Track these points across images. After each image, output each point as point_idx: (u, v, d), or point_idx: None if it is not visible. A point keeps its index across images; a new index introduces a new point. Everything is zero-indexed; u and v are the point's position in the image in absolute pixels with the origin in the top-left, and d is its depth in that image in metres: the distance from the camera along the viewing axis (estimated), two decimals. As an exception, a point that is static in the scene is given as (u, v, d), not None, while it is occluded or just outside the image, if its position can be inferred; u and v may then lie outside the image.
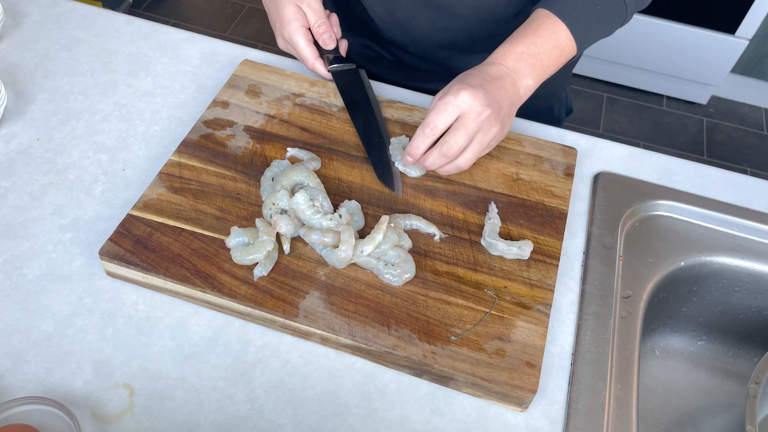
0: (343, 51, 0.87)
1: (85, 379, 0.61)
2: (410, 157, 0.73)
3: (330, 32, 0.84)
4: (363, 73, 0.86)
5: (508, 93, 0.73)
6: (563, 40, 0.75)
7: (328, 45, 0.84)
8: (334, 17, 0.87)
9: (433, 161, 0.72)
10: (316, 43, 0.85)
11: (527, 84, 0.75)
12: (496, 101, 0.71)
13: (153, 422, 0.59)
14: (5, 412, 0.58)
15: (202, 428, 0.59)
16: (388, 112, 0.83)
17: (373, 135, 0.79)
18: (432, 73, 0.95)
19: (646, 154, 0.86)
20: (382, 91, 0.89)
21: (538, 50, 0.74)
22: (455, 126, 0.70)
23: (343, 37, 0.90)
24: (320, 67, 0.84)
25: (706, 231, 0.79)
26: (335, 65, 0.85)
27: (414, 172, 0.76)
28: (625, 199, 0.79)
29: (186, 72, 0.90)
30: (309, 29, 0.84)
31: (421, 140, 0.71)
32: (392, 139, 0.79)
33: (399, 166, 0.77)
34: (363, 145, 0.79)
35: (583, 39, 0.77)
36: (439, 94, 0.72)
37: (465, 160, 0.73)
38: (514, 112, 0.75)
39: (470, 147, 0.72)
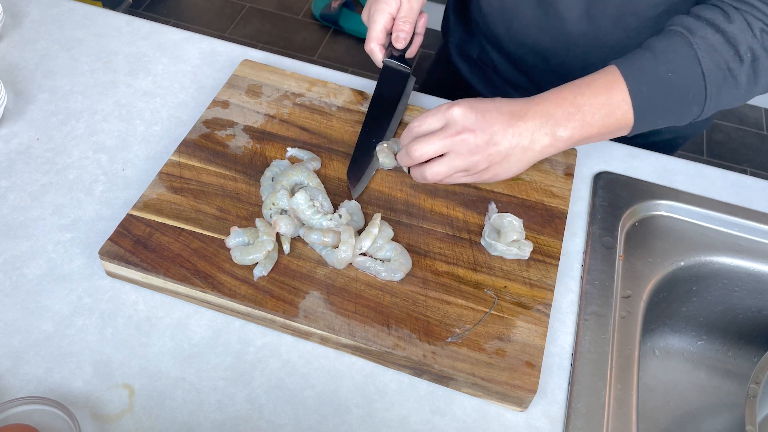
0: (410, 53, 0.84)
1: (85, 379, 0.61)
2: (400, 144, 0.75)
3: (408, 34, 0.81)
4: (411, 81, 0.83)
5: (518, 135, 0.68)
6: (617, 100, 0.67)
7: (399, 42, 0.81)
8: (424, 18, 0.84)
9: (401, 157, 0.74)
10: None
11: (558, 134, 0.68)
12: (489, 132, 0.68)
13: (153, 422, 0.59)
14: (5, 412, 0.58)
15: (202, 428, 0.59)
16: (405, 116, 0.83)
17: (374, 135, 0.78)
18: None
19: (645, 154, 0.86)
20: (422, 100, 0.89)
21: (583, 101, 0.68)
22: (432, 133, 0.70)
23: (450, 40, 0.91)
24: (377, 53, 0.81)
25: (706, 231, 0.79)
26: (392, 60, 0.82)
27: (378, 163, 0.76)
28: (625, 199, 0.79)
29: (186, 72, 0.90)
30: (394, 19, 0.81)
31: (405, 134, 0.73)
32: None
33: (381, 157, 0.76)
34: (359, 137, 0.78)
35: (643, 107, 0.67)
36: None
37: (430, 173, 0.71)
38: (525, 159, 0.70)
39: (439, 162, 0.70)
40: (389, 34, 0.82)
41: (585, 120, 0.68)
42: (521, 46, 0.89)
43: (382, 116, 0.80)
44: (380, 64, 0.82)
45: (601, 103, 0.67)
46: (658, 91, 0.67)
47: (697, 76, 0.66)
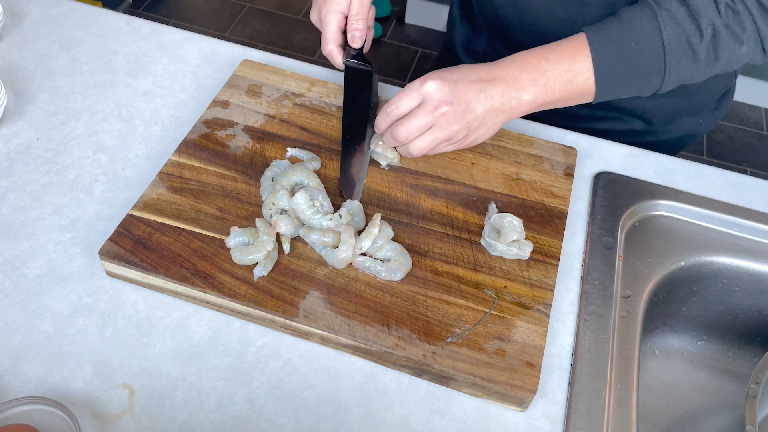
0: (366, 47, 0.84)
1: (85, 379, 0.61)
2: (376, 130, 0.76)
3: (363, 32, 0.80)
4: (375, 78, 0.84)
5: (490, 98, 0.70)
6: (580, 66, 0.69)
7: (355, 42, 0.81)
8: (372, 11, 0.83)
9: (386, 140, 0.75)
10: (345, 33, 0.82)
11: (522, 98, 0.70)
12: (464, 101, 0.69)
13: (153, 422, 0.59)
14: (5, 412, 0.58)
15: (202, 428, 0.59)
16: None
17: (356, 141, 0.78)
18: None
19: (646, 154, 0.86)
20: (383, 90, 0.89)
21: (547, 66, 0.70)
22: (412, 112, 0.71)
23: (455, 34, 0.90)
24: (337, 56, 0.80)
25: (706, 231, 0.79)
26: (352, 60, 0.82)
27: (384, 161, 0.77)
28: (625, 199, 0.79)
29: (186, 72, 0.90)
30: (346, 17, 0.80)
31: (383, 118, 0.73)
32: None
33: (375, 148, 0.77)
34: (341, 146, 0.77)
35: (604, 75, 0.69)
36: None
37: (414, 148, 0.72)
38: (498, 121, 0.72)
39: (422, 137, 0.72)
40: (344, 33, 0.82)
41: (548, 85, 0.70)
42: (534, 37, 0.88)
43: (358, 120, 0.80)
44: (341, 66, 0.82)
45: (564, 68, 0.70)
46: (619, 60, 0.69)
47: (658, 47, 0.68)
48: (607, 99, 0.72)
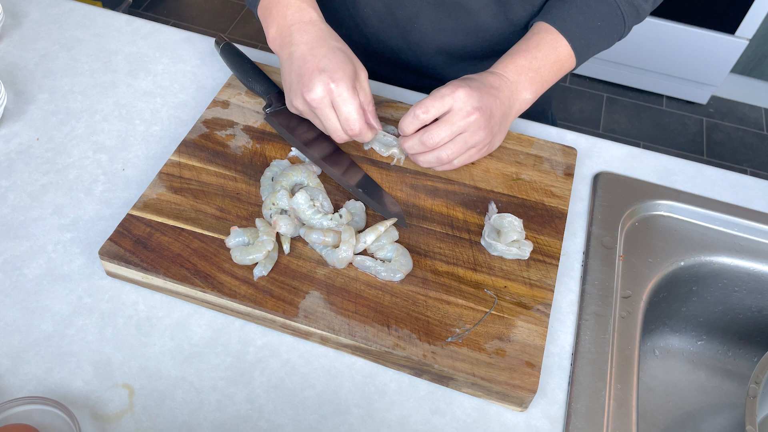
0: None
1: (85, 379, 0.61)
2: (401, 132, 0.73)
3: (375, 119, 0.73)
4: None
5: (502, 104, 0.73)
6: (563, 54, 0.77)
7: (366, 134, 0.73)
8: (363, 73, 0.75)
9: (412, 145, 0.72)
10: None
11: (524, 97, 0.76)
12: (488, 108, 0.71)
13: (153, 422, 0.59)
14: (5, 412, 0.58)
15: (202, 428, 0.59)
16: (387, 112, 0.83)
17: (369, 185, 0.75)
18: (419, 87, 0.93)
19: (646, 154, 0.86)
20: (383, 91, 0.89)
21: (538, 64, 0.76)
22: (442, 119, 0.71)
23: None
24: (368, 133, 0.72)
25: (706, 231, 0.79)
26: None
27: (386, 152, 0.78)
28: (625, 199, 0.79)
29: (186, 72, 0.90)
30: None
31: (411, 119, 0.71)
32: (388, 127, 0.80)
33: (375, 146, 0.78)
34: (362, 198, 0.73)
35: (583, 54, 0.78)
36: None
37: (447, 153, 0.72)
38: (507, 124, 0.76)
39: (453, 142, 0.72)
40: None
41: (543, 79, 0.77)
42: (424, 54, 0.90)
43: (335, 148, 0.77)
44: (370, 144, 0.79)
45: (552, 61, 0.77)
46: (593, 39, 0.78)
47: (618, 18, 0.79)
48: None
